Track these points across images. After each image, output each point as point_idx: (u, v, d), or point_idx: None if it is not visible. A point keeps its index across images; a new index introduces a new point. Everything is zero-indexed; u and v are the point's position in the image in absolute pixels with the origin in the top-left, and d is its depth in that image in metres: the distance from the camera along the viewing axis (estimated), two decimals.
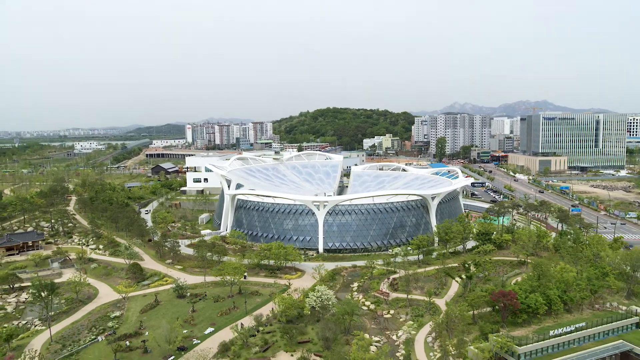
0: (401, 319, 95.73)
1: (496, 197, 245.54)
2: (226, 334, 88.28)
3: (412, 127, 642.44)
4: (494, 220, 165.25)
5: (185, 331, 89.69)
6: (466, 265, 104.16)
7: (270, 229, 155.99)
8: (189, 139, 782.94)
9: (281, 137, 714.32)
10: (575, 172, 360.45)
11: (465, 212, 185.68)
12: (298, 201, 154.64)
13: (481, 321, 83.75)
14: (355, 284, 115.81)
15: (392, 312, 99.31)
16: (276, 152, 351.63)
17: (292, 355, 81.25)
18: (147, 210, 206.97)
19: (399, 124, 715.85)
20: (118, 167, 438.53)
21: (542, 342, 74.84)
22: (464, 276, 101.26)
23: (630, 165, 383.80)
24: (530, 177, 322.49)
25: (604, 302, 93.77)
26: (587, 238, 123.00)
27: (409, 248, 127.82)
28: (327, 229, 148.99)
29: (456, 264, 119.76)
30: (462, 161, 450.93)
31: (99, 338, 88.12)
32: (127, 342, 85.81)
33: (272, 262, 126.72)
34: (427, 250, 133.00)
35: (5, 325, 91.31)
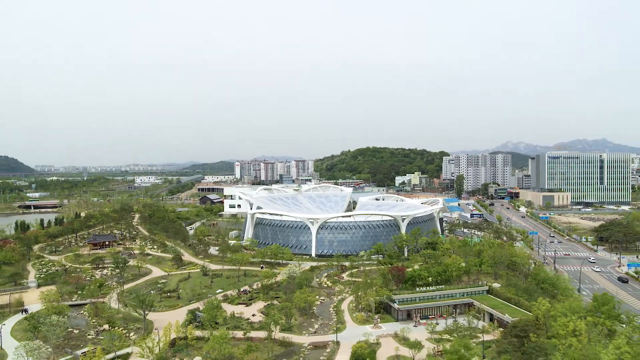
0: (344, 291, 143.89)
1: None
2: (229, 293, 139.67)
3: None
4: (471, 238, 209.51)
5: (204, 290, 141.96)
6: (390, 257, 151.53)
7: (278, 239, 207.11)
8: (237, 175, 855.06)
9: (321, 174, 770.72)
10: (579, 206, 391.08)
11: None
12: (298, 219, 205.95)
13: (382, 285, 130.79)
14: (325, 273, 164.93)
15: (341, 287, 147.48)
16: (298, 185, 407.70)
17: (265, 302, 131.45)
18: (191, 228, 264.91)
19: (434, 163, 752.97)
20: (172, 198, 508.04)
21: (410, 294, 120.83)
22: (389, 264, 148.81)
23: (634, 202, 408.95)
24: (529, 210, 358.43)
25: (479, 281, 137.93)
26: (489, 243, 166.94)
27: (373, 255, 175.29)
28: (319, 239, 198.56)
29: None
30: (481, 197, 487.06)
31: (151, 291, 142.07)
32: (168, 294, 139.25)
33: (271, 260, 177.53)
34: (389, 254, 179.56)
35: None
